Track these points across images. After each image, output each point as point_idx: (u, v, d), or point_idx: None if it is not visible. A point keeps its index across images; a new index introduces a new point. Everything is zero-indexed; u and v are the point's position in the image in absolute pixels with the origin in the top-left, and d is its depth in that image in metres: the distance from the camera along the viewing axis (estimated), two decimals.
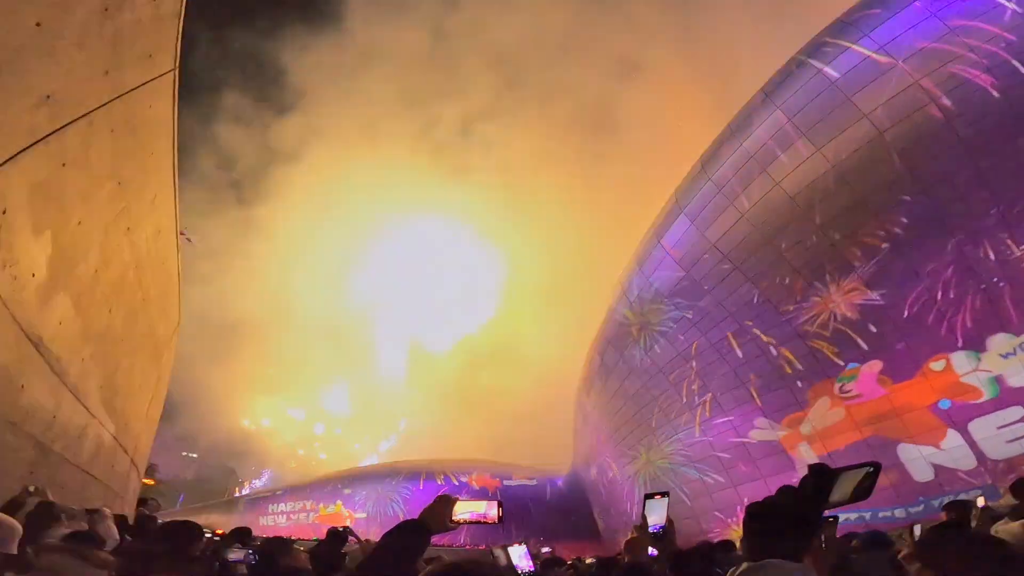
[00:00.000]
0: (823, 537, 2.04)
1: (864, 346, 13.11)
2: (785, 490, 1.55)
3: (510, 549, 1.87)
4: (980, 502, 3.53)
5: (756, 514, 1.54)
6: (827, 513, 1.95)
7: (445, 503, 1.60)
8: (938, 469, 12.42)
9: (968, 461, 11.91)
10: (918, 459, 12.61)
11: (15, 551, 2.14)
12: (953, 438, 12.08)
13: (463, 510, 1.63)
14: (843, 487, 1.56)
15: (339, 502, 34.78)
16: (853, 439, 13.66)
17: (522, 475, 34.14)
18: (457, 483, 31.60)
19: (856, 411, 13.62)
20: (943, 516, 4.08)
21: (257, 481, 73.81)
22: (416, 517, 1.57)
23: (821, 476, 1.51)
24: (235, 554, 3.23)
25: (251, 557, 3.16)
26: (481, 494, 29.80)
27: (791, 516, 1.49)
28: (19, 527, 2.29)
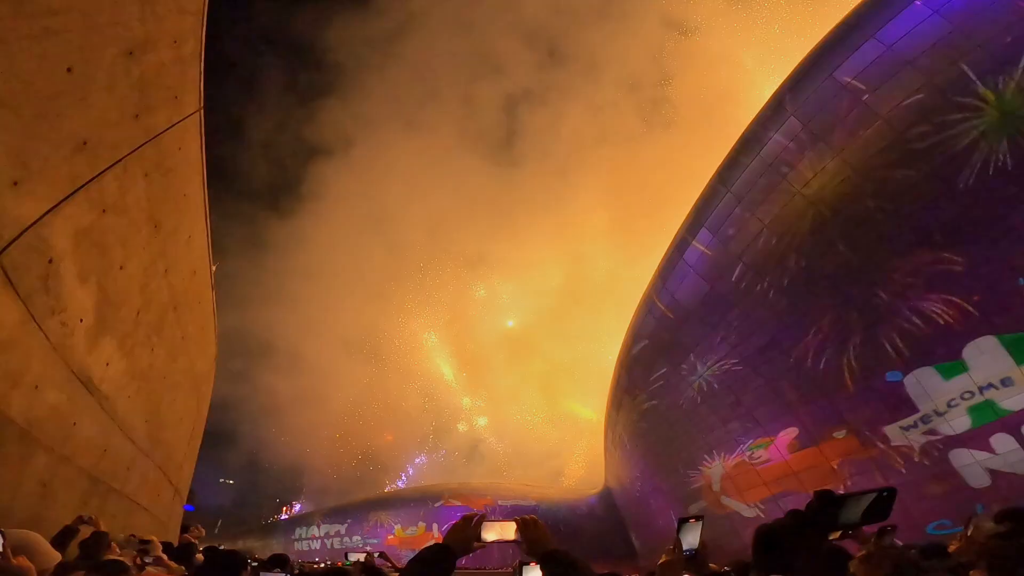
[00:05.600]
0: (879, 545, 2.08)
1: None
2: (792, 513, 1.74)
3: (525, 568, 1.94)
4: None
5: (763, 534, 1.76)
6: (885, 523, 2.10)
7: (469, 523, 1.59)
8: (995, 475, 11.76)
9: None
10: (972, 465, 11.98)
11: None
12: (1007, 442, 11.46)
13: (487, 531, 1.61)
14: (852, 510, 1.66)
15: (421, 524, 33.44)
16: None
17: (556, 495, 33.56)
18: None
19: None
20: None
21: (297, 505, 74.51)
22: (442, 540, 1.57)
23: (822, 501, 1.66)
24: None
25: None
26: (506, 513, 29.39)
27: (793, 536, 1.67)
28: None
